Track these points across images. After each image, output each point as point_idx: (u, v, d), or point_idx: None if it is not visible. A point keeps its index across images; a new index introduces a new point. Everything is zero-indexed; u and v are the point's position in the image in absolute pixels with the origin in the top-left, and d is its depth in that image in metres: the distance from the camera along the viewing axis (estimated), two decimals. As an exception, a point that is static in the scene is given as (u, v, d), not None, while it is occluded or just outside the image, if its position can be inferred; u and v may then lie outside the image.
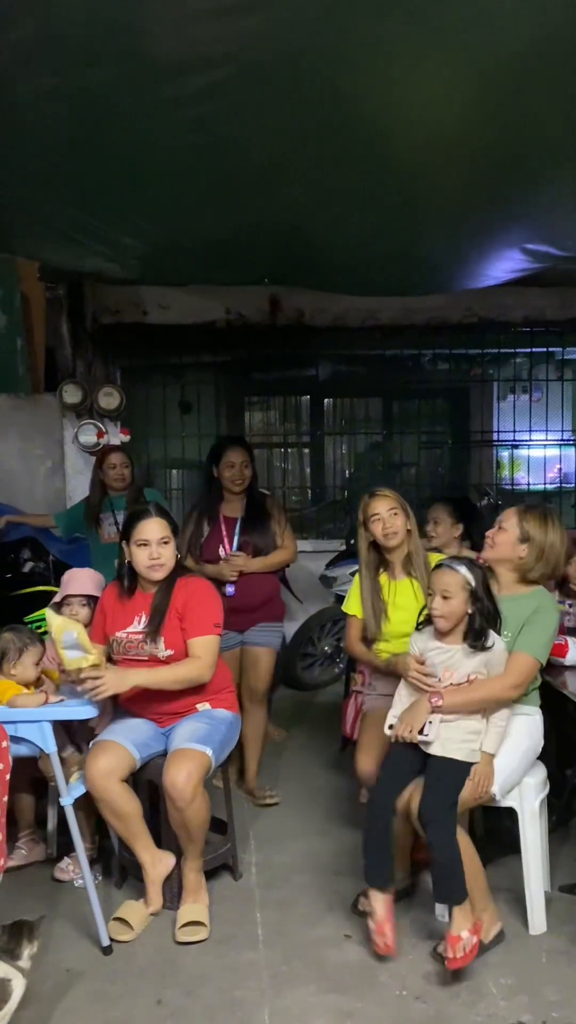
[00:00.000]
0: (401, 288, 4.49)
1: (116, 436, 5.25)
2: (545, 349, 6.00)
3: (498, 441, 6.20)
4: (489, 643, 2.64)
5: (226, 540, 3.74)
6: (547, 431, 6.11)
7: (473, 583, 2.63)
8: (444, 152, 2.41)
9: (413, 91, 2.07)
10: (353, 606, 3.23)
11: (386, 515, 3.08)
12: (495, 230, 3.12)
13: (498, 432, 6.19)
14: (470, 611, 2.63)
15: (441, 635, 2.70)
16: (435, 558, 3.04)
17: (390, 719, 2.72)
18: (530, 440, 6.12)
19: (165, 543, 2.92)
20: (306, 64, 1.99)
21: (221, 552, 3.70)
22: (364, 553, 3.17)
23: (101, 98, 2.16)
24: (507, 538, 2.85)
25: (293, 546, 3.91)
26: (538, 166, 2.52)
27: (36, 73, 2.06)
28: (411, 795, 2.59)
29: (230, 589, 3.65)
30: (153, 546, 2.90)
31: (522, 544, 2.83)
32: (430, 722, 2.61)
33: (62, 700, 2.77)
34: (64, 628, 2.70)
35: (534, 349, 5.97)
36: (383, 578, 3.16)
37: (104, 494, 4.41)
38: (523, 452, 6.25)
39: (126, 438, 5.14)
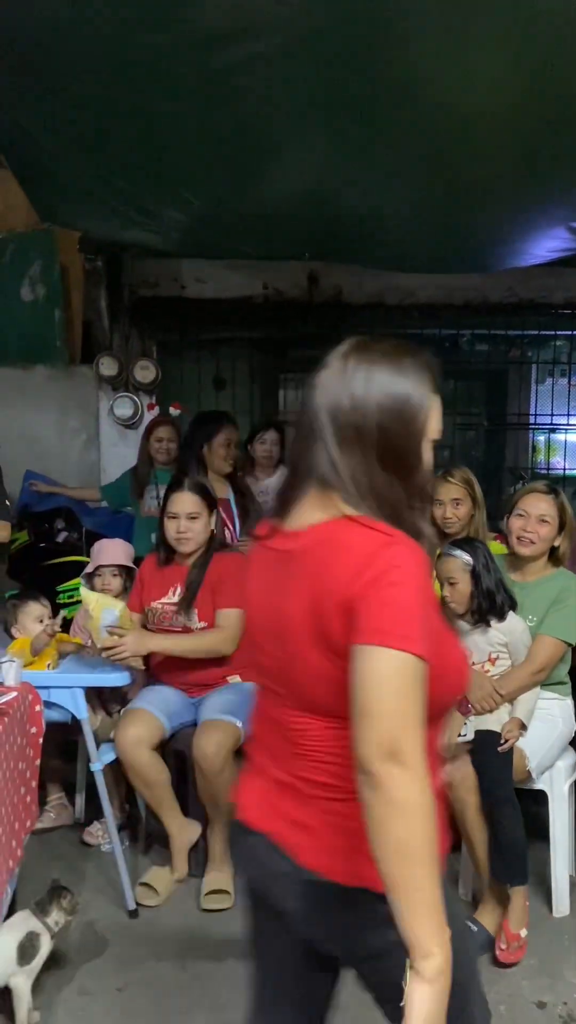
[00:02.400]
0: (442, 265, 4.43)
1: (151, 411, 5.27)
2: (586, 332, 5.90)
3: (535, 424, 6.12)
4: (495, 619, 2.66)
5: (227, 524, 3.67)
6: (585, 415, 6.02)
7: (472, 563, 2.65)
8: (494, 125, 2.36)
9: (465, 61, 2.03)
10: None
11: (449, 504, 3.09)
12: (541, 206, 3.06)
13: (535, 415, 6.10)
14: (472, 590, 2.68)
15: (459, 617, 2.73)
16: (497, 548, 2.97)
17: None
18: (568, 424, 6.03)
19: (193, 518, 2.93)
20: (355, 34, 1.95)
21: (227, 537, 3.60)
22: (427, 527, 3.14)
23: (148, 66, 2.15)
24: (550, 531, 2.80)
25: None
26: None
27: (84, 40, 2.05)
28: (460, 776, 2.61)
29: None
30: (181, 519, 2.93)
31: (561, 532, 2.81)
32: (466, 723, 2.66)
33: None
34: (104, 606, 2.69)
35: (574, 332, 5.87)
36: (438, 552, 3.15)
37: (150, 467, 4.42)
38: (560, 436, 6.16)
39: (177, 412, 5.14)
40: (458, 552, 2.70)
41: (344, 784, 1.14)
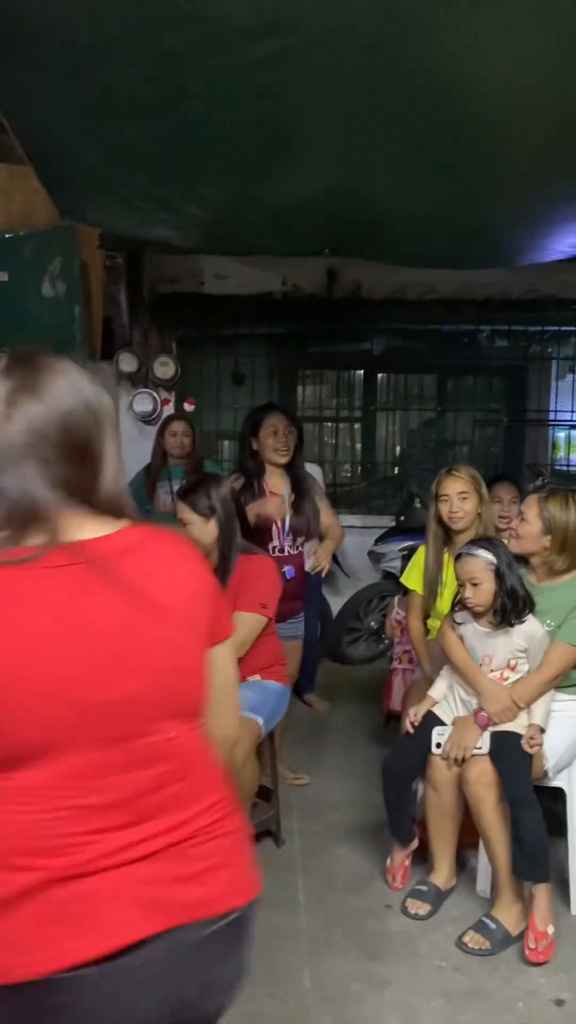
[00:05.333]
0: (463, 260, 4.41)
1: (167, 407, 5.30)
2: (608, 328, 5.85)
3: (555, 421, 6.09)
4: (516, 620, 2.64)
5: (277, 520, 3.48)
6: (606, 412, 5.98)
7: (496, 562, 2.63)
8: (517, 116, 2.35)
9: (488, 51, 2.02)
10: (413, 580, 3.20)
11: (455, 497, 3.03)
12: (564, 200, 3.04)
13: (555, 412, 6.07)
14: (496, 589, 2.65)
15: (478, 617, 2.71)
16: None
17: (436, 737, 2.74)
18: (588, 421, 6.00)
19: (184, 524, 2.95)
20: (377, 28, 1.95)
21: (273, 532, 3.44)
22: (433, 526, 3.11)
23: (171, 63, 2.15)
24: (530, 530, 2.77)
25: (338, 522, 3.74)
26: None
27: (107, 37, 2.05)
28: (477, 773, 2.61)
29: (290, 571, 3.44)
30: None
31: (546, 535, 2.75)
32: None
33: None
34: None
35: (596, 328, 5.84)
36: (445, 556, 3.11)
37: (164, 462, 4.46)
38: (580, 433, 6.14)
39: (191, 408, 5.18)
40: (480, 551, 2.66)
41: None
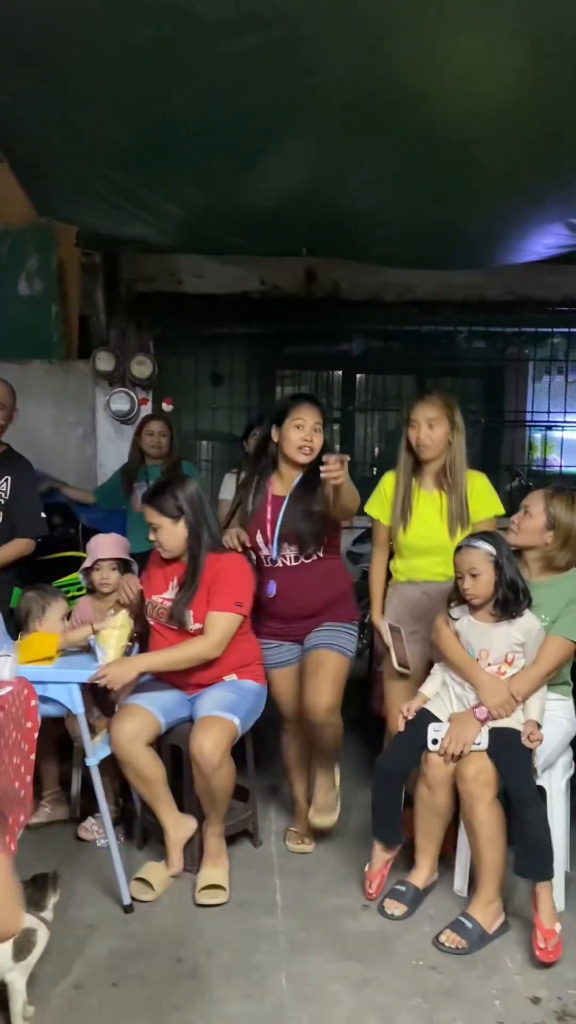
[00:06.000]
0: (440, 261, 4.42)
1: (144, 406, 5.28)
2: (584, 330, 5.89)
3: (531, 422, 6.12)
4: (517, 612, 2.65)
5: (269, 527, 2.96)
6: (582, 413, 6.02)
7: (495, 553, 2.64)
8: (494, 118, 2.35)
9: (465, 55, 2.03)
10: (377, 508, 3.08)
11: (424, 423, 2.90)
12: (540, 202, 3.05)
13: (532, 412, 6.10)
14: (496, 580, 2.65)
15: (476, 610, 2.71)
16: (473, 476, 3.01)
17: (432, 734, 2.71)
18: (564, 421, 6.03)
19: (154, 528, 2.94)
20: (357, 27, 1.95)
21: (260, 541, 2.98)
22: (403, 453, 3.01)
23: (150, 59, 2.15)
24: (533, 524, 2.79)
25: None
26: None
27: (85, 32, 2.04)
28: (475, 771, 2.60)
29: (271, 589, 2.98)
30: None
31: (548, 531, 2.78)
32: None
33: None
34: (105, 643, 2.78)
35: (572, 329, 5.87)
36: (414, 484, 3.01)
37: (141, 462, 4.45)
38: (556, 434, 6.17)
39: (169, 407, 5.16)
40: (480, 543, 2.67)
41: None
